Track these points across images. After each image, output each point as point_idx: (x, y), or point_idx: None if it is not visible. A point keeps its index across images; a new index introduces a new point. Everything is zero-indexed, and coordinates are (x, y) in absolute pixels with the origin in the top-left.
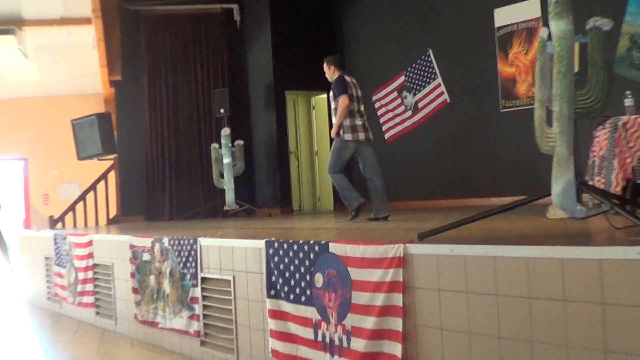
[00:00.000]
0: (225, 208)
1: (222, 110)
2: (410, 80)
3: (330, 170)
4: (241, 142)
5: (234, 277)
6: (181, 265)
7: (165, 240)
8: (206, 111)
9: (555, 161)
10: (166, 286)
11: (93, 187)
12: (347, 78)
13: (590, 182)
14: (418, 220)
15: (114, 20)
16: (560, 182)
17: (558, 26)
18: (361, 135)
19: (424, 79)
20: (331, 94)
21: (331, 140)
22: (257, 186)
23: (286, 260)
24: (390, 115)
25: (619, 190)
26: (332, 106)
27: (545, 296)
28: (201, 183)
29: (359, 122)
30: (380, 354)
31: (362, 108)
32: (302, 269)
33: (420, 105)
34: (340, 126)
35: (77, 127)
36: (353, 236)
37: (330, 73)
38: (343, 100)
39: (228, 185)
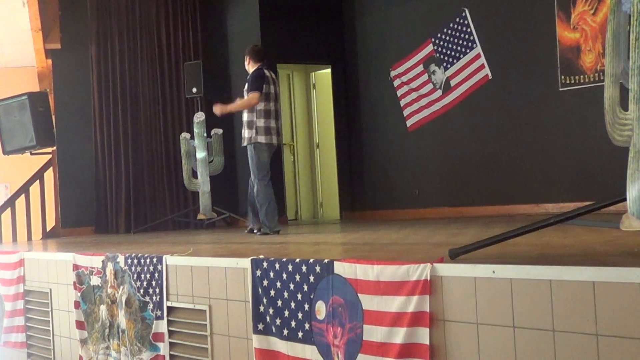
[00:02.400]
0: (199, 217)
1: (194, 90)
2: (440, 50)
3: (256, 179)
4: (220, 131)
5: (210, 307)
6: (141, 291)
7: (121, 258)
8: (174, 91)
9: (632, 156)
10: (122, 319)
11: (24, 189)
12: (266, 72)
13: None
14: (449, 232)
15: None
16: (638, 183)
17: None
18: (275, 139)
19: (459, 49)
20: (245, 87)
21: (338, 130)
22: (240, 188)
23: (278, 284)
24: (414, 95)
25: None
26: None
27: (619, 332)
28: (167, 184)
29: (273, 124)
30: None
31: (279, 108)
32: (299, 296)
33: (453, 82)
34: (252, 127)
35: (3, 110)
36: (365, 253)
37: (247, 65)
38: (253, 96)
39: (203, 186)
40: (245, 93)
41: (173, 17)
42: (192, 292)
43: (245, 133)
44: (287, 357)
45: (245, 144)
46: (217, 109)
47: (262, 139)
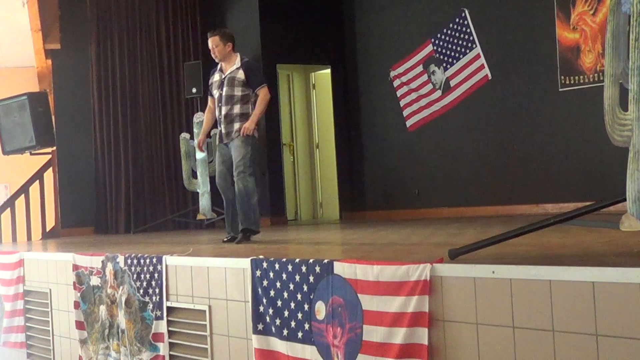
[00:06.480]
0: (199, 217)
1: (194, 90)
2: (439, 50)
3: (246, 171)
4: None
5: (210, 307)
6: (141, 291)
7: (121, 259)
8: (173, 91)
9: (631, 156)
10: (121, 319)
11: (24, 190)
12: None
13: None
14: (449, 233)
15: None
16: (638, 183)
17: None
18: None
19: (458, 49)
20: (238, 77)
21: (338, 130)
22: None
23: (278, 284)
24: (413, 96)
25: None
26: (226, 93)
27: (618, 332)
28: (167, 185)
29: None
30: None
31: None
32: (299, 297)
33: (452, 83)
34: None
35: (2, 110)
36: (365, 253)
37: (227, 51)
38: (267, 92)
39: (202, 187)
40: (234, 85)
41: (173, 17)
42: (192, 292)
43: (237, 126)
44: (286, 357)
45: (233, 137)
46: (248, 131)
47: (255, 132)
